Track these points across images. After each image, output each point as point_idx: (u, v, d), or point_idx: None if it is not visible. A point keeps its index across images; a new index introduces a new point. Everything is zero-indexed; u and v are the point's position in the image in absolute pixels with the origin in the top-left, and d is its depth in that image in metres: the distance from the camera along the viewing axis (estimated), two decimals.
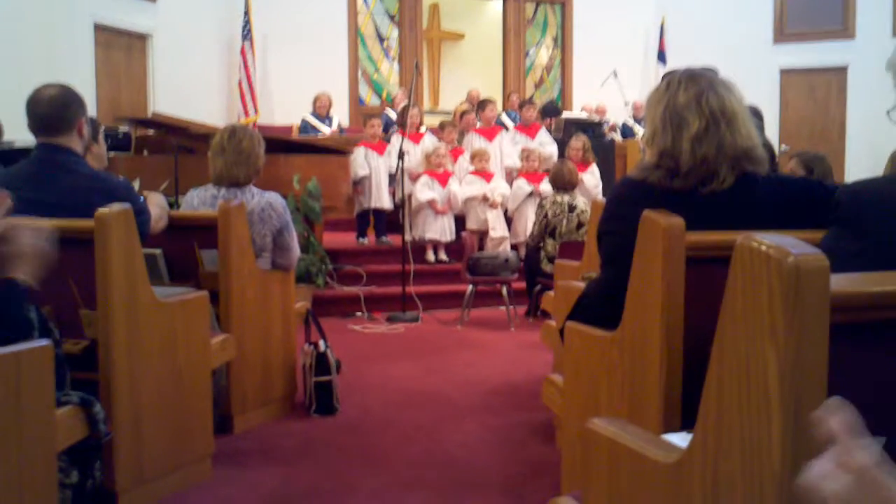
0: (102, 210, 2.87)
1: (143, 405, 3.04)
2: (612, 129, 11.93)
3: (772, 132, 12.64)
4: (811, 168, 4.48)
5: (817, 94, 13.33)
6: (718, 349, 1.28)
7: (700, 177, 2.24)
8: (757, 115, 3.33)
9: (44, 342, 2.28)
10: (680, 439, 1.53)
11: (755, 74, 12.01)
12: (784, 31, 13.38)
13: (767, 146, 3.04)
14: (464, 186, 8.62)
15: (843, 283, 1.25)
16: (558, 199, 7.17)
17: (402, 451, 3.82)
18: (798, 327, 1.14)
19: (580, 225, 7.05)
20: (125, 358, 2.94)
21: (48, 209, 3.06)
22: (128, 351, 2.96)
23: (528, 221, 8.11)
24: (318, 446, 3.88)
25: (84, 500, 2.95)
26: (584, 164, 8.79)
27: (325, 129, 10.53)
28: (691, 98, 2.26)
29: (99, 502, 2.99)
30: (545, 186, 8.18)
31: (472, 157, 8.80)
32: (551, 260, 6.88)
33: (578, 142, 8.83)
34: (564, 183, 7.25)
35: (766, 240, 1.17)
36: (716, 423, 1.28)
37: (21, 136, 3.30)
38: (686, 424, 1.86)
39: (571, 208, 7.11)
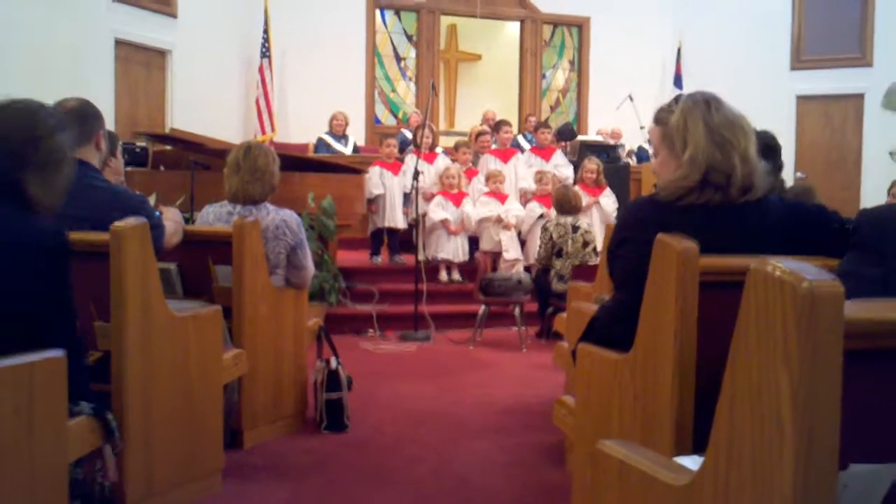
0: (118, 224, 2.89)
1: (155, 418, 3.04)
2: (628, 154, 11.93)
3: (787, 159, 12.58)
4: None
5: (834, 122, 13.30)
6: (731, 373, 1.28)
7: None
8: (774, 144, 3.35)
9: (57, 353, 2.29)
10: (691, 462, 1.52)
11: (771, 101, 12.02)
12: (801, 58, 13.38)
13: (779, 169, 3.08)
14: (478, 207, 8.63)
15: (858, 309, 1.25)
16: (561, 220, 7.22)
17: (412, 469, 3.81)
18: (811, 353, 1.14)
19: (586, 244, 7.11)
20: (138, 370, 2.96)
21: (65, 222, 3.08)
22: (141, 363, 2.97)
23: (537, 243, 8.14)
24: (327, 463, 3.87)
25: None
26: (597, 188, 8.81)
27: (341, 149, 10.57)
28: (729, 119, 2.31)
29: None
30: None
31: (487, 179, 8.81)
32: (561, 278, 6.90)
33: (593, 164, 8.86)
34: (570, 207, 7.31)
35: (781, 265, 1.17)
36: (727, 446, 1.28)
37: None
38: (697, 448, 1.85)
39: (575, 228, 7.16)
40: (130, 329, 2.91)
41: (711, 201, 2.26)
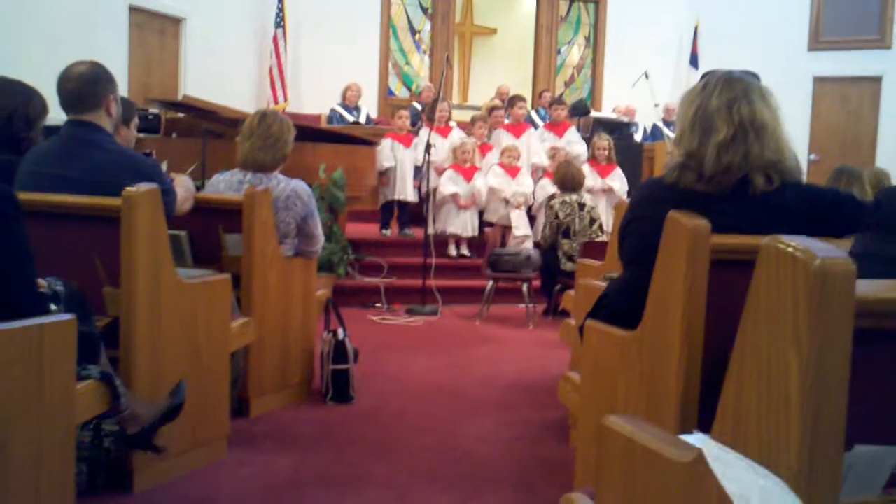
0: (130, 189, 2.89)
1: (162, 383, 3.06)
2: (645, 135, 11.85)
3: (802, 141, 12.51)
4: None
5: (850, 104, 13.18)
6: (740, 350, 1.27)
7: (725, 182, 2.23)
8: None
9: (67, 316, 2.30)
10: (696, 441, 1.52)
11: (788, 82, 11.90)
12: (819, 39, 13.24)
13: None
14: (489, 177, 8.60)
15: (869, 288, 1.24)
16: (566, 198, 7.18)
17: (416, 442, 3.83)
18: (821, 331, 1.13)
19: (592, 221, 7.08)
20: (146, 336, 2.97)
21: (76, 185, 3.09)
22: (149, 329, 2.98)
23: None
24: (332, 433, 3.89)
25: (99, 476, 2.99)
26: (609, 165, 8.77)
27: (354, 120, 10.54)
28: (723, 104, 2.24)
29: (115, 478, 3.02)
30: None
31: (502, 153, 8.76)
32: (570, 258, 6.89)
33: (605, 141, 8.81)
34: (574, 183, 7.28)
35: (793, 242, 1.16)
36: (733, 423, 1.28)
37: (58, 114, 3.34)
38: (702, 427, 1.85)
39: (581, 206, 7.12)
40: (140, 295, 2.92)
41: (724, 191, 2.24)
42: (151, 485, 3.08)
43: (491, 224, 8.57)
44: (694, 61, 13.74)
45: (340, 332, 4.43)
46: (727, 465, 1.04)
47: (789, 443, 1.17)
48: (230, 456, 3.49)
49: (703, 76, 2.42)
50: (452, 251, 8.59)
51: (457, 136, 9.23)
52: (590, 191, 8.33)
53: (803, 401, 1.15)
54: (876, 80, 12.89)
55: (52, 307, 2.54)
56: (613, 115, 11.21)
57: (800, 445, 1.15)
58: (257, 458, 3.51)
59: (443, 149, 8.89)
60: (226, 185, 4.22)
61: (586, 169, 8.64)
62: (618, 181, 8.78)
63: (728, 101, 2.24)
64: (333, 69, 11.79)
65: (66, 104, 3.22)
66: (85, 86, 3.19)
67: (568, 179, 7.30)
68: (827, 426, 1.16)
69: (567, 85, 14.32)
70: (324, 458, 3.55)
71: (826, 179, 4.96)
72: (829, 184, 4.76)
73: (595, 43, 14.35)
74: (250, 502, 3.08)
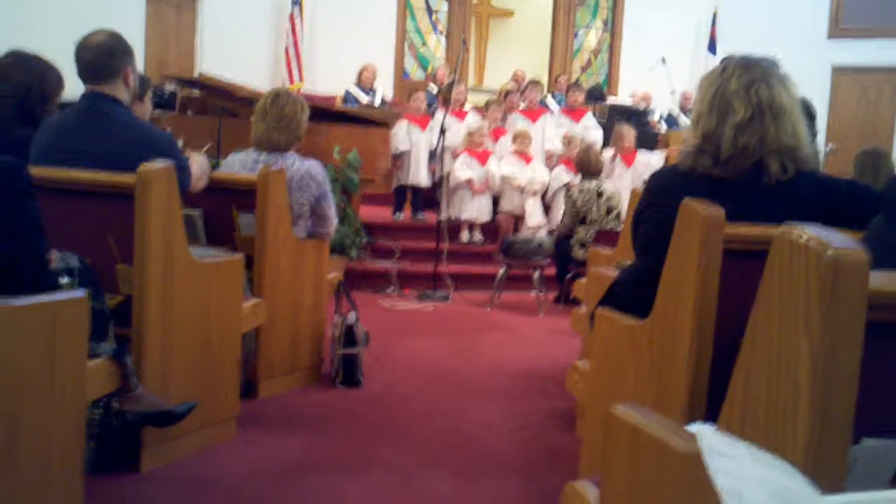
0: (145, 166, 2.88)
1: (173, 362, 3.07)
2: (655, 125, 11.76)
3: (819, 131, 12.38)
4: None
5: (869, 94, 13.05)
6: (750, 340, 1.26)
7: (741, 166, 2.21)
8: (808, 111, 3.26)
9: (79, 293, 2.31)
10: (698, 430, 1.51)
11: (807, 70, 11.77)
12: (839, 27, 13.09)
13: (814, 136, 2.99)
14: (502, 164, 8.56)
15: (882, 280, 1.22)
16: (585, 186, 7.13)
17: (424, 427, 3.83)
18: (833, 323, 1.12)
19: (609, 210, 7.04)
20: (158, 315, 2.97)
21: (92, 158, 3.08)
22: (161, 308, 2.99)
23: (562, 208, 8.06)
24: (340, 417, 3.90)
25: (108, 452, 3.00)
26: (634, 154, 8.70)
27: (369, 102, 10.51)
28: (741, 86, 2.24)
29: (123, 457, 3.03)
30: None
31: (515, 138, 8.72)
32: (583, 246, 6.85)
33: (633, 131, 8.74)
34: (592, 169, 7.22)
35: (807, 231, 1.15)
36: (741, 413, 1.27)
37: (74, 89, 3.34)
38: (710, 418, 1.85)
39: (599, 194, 7.07)
40: (152, 273, 2.92)
41: (739, 176, 2.22)
42: (160, 463, 3.10)
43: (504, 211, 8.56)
44: (712, 47, 13.63)
45: (351, 315, 4.42)
46: (724, 458, 1.03)
47: (797, 434, 1.16)
48: (238, 436, 3.50)
49: (722, 60, 2.41)
50: (465, 236, 8.57)
51: (472, 119, 9.19)
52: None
53: (813, 392, 1.14)
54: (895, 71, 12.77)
55: (66, 280, 2.54)
56: (630, 102, 11.14)
57: (807, 437, 1.15)
58: (265, 440, 3.53)
59: (458, 132, 8.85)
60: (241, 164, 4.22)
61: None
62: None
63: (747, 84, 2.24)
64: (349, 49, 11.75)
65: (83, 74, 3.20)
66: (103, 56, 3.17)
67: (586, 166, 7.25)
68: (835, 418, 1.15)
69: (583, 69, 14.24)
70: (331, 441, 3.56)
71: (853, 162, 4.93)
72: (855, 164, 4.74)
73: (613, 27, 14.25)
74: (258, 483, 3.10)
